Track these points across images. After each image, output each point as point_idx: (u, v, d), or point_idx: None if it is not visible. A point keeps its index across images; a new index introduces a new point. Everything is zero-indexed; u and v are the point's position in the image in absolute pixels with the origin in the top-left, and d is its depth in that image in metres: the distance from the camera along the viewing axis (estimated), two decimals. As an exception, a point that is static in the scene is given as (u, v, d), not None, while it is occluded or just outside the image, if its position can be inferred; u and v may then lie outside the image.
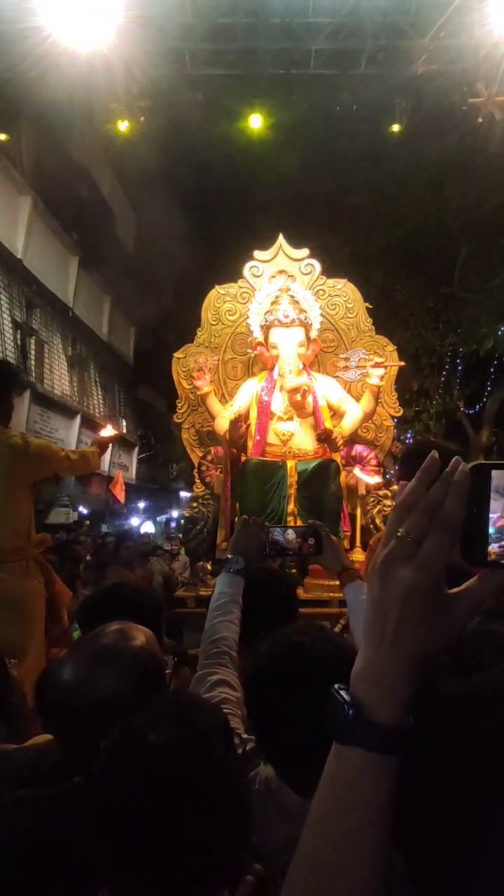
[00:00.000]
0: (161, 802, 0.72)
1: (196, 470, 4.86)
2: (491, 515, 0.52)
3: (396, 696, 0.49)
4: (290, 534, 1.69)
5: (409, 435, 11.95)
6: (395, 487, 4.06)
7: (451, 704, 0.49)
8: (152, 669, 1.06)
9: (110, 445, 3.86)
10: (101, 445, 3.49)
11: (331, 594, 3.75)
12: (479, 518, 0.51)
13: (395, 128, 7.84)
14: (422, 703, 0.50)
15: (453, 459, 0.51)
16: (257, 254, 4.96)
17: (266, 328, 4.69)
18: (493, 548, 0.52)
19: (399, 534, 0.49)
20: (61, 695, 1.03)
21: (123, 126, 7.61)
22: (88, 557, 7.16)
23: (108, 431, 3.67)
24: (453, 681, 0.50)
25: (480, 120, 7.26)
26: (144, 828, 0.71)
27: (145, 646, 1.09)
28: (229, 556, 1.65)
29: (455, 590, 0.51)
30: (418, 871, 0.49)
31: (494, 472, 0.52)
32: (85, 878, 0.80)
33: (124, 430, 14.40)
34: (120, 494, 11.47)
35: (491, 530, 0.52)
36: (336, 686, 0.52)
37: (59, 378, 10.68)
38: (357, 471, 4.58)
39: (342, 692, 0.51)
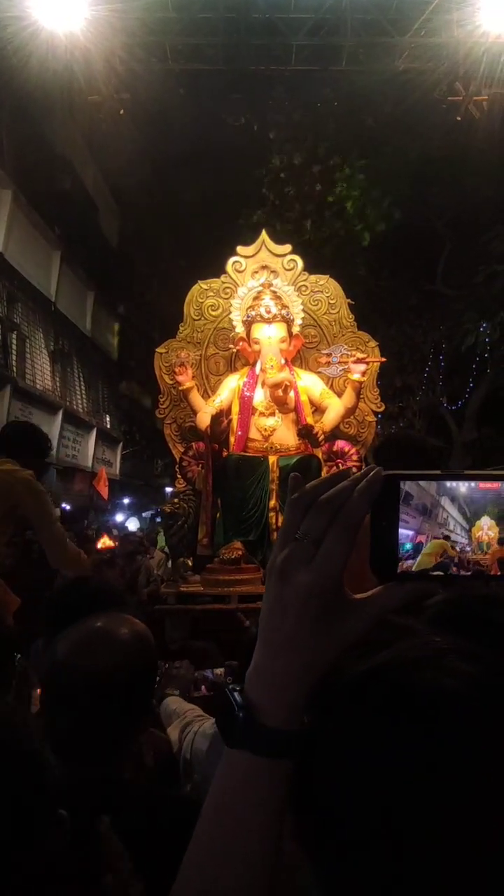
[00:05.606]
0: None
1: (178, 465, 4.85)
2: (408, 532, 0.51)
3: (288, 699, 0.47)
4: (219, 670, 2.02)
5: (392, 431, 12.05)
6: None
7: (361, 682, 0.47)
8: (148, 654, 1.13)
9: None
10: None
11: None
12: (388, 529, 0.50)
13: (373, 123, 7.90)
14: (325, 692, 0.48)
15: (374, 468, 0.49)
16: (240, 249, 4.95)
17: (248, 323, 4.70)
18: (407, 563, 0.50)
19: (297, 536, 0.47)
20: (56, 671, 1.06)
21: (104, 119, 7.57)
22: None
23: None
24: (358, 664, 0.48)
25: (459, 118, 7.34)
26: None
27: (142, 632, 1.15)
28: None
29: (359, 596, 0.49)
30: (326, 873, 0.47)
31: (406, 484, 0.51)
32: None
33: (108, 426, 14.32)
34: (104, 490, 11.43)
35: (408, 546, 0.51)
36: (230, 686, 0.50)
37: (40, 373, 10.58)
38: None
39: (235, 693, 0.49)
